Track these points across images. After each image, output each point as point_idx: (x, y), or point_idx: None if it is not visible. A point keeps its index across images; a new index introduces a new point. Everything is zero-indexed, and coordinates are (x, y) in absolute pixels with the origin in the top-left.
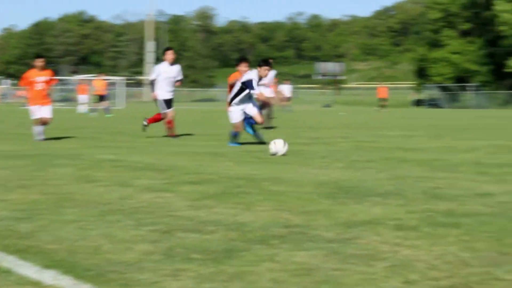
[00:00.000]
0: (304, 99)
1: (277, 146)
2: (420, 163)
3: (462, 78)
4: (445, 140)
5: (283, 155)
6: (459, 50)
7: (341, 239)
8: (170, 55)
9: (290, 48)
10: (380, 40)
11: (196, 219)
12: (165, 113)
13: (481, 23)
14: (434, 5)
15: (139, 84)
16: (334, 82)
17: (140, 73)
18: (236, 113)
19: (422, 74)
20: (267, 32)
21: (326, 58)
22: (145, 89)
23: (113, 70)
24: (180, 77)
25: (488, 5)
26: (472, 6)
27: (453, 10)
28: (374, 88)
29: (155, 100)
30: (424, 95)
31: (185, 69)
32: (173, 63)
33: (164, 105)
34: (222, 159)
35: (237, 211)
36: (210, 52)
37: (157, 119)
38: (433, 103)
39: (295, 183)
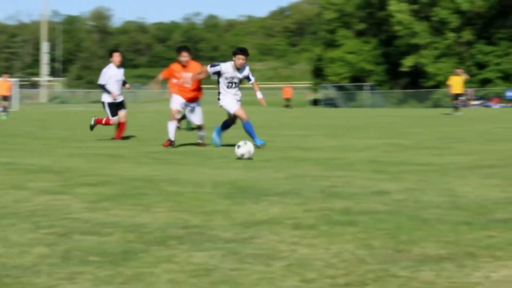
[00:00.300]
0: (204, 99)
1: (247, 147)
2: (317, 162)
3: (358, 78)
4: (342, 139)
5: (249, 158)
6: (355, 50)
7: (239, 239)
8: (117, 57)
9: None
10: (276, 40)
11: (93, 221)
12: (113, 119)
13: (376, 23)
14: (329, 6)
15: (34, 85)
16: None
17: (35, 74)
18: (229, 102)
19: (318, 74)
20: (163, 33)
21: (223, 58)
22: (42, 90)
23: (7, 71)
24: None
25: (382, 6)
26: (366, 6)
27: (348, 10)
28: (272, 89)
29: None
30: (320, 94)
31: (80, 70)
32: (119, 65)
33: (111, 109)
34: (120, 160)
35: (134, 212)
36: (106, 53)
37: (107, 123)
38: (329, 103)
39: (193, 183)
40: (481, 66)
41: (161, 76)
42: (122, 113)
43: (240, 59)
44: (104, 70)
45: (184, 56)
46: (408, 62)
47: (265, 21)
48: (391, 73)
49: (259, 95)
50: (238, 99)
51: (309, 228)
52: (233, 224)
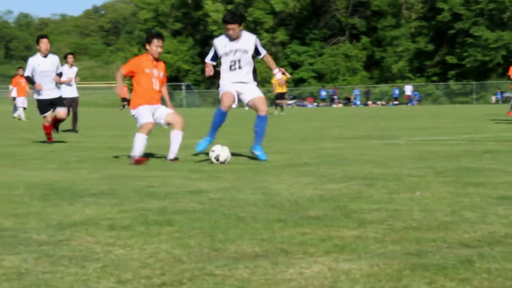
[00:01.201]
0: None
1: (224, 151)
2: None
3: (175, 77)
4: (159, 138)
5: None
6: (171, 50)
7: (53, 241)
8: (43, 44)
9: None
10: (91, 39)
11: None
12: (44, 117)
13: (192, 23)
14: (144, 5)
15: None
16: None
17: None
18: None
19: None
20: None
21: None
22: None
23: None
24: (59, 70)
25: (198, 5)
26: (182, 6)
27: (163, 10)
28: (89, 88)
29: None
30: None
31: None
32: (47, 54)
33: (41, 107)
34: None
35: None
36: None
37: (55, 120)
38: None
39: (5, 186)
40: (296, 66)
41: (122, 72)
42: (60, 111)
43: (229, 29)
44: (29, 60)
45: (159, 46)
46: None
47: (79, 20)
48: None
49: (278, 74)
50: (244, 81)
51: (124, 228)
52: (47, 226)
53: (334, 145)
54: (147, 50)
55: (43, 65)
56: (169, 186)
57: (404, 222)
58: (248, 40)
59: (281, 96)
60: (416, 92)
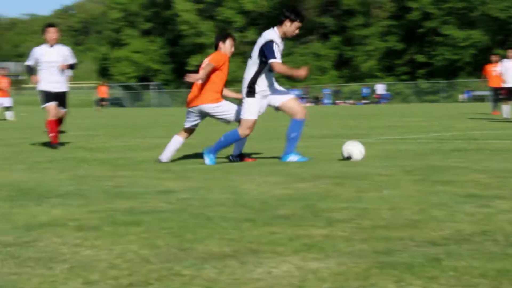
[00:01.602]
0: None
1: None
2: (102, 163)
3: (144, 77)
4: (127, 138)
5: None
6: (141, 49)
7: (20, 243)
8: (51, 33)
9: None
10: (61, 39)
11: None
12: (45, 108)
13: (162, 22)
14: (114, 5)
15: None
16: (15, 82)
17: None
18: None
19: (104, 73)
20: None
21: (5, 58)
22: None
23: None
24: (72, 60)
25: (168, 5)
26: (152, 5)
27: (133, 10)
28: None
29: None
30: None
31: None
32: (55, 44)
33: (44, 98)
34: None
35: None
36: None
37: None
38: (116, 102)
39: None
40: None
41: (213, 65)
42: (59, 111)
43: (296, 27)
44: (33, 50)
45: (233, 46)
46: (194, 61)
47: (49, 19)
48: (178, 72)
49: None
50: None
51: (92, 229)
52: (14, 227)
53: (303, 144)
54: (219, 48)
55: (48, 56)
56: (137, 186)
57: (372, 221)
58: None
59: None
60: (387, 92)
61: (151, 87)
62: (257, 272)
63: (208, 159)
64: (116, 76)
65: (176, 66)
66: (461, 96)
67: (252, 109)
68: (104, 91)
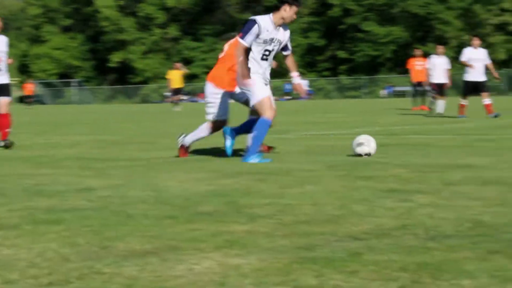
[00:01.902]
0: None
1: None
2: (23, 160)
3: (65, 74)
4: (49, 136)
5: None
6: (62, 46)
7: None
8: None
9: None
10: None
11: None
12: None
13: (82, 19)
14: (33, 1)
15: None
16: None
17: None
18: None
19: (24, 70)
20: None
21: None
22: None
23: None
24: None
25: (88, 1)
26: (72, 1)
27: (53, 6)
28: None
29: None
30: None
31: None
32: None
33: None
34: None
35: None
36: None
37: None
38: (36, 100)
39: None
40: (188, 62)
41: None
42: (1, 100)
43: (294, 11)
44: None
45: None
46: (116, 58)
47: None
48: (99, 69)
49: (296, 78)
50: (267, 82)
51: (12, 228)
52: None
53: (221, 140)
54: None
55: None
56: (57, 184)
57: (294, 216)
58: (287, 34)
59: (177, 91)
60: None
61: (72, 84)
62: (179, 269)
63: (252, 161)
64: (36, 73)
65: (97, 63)
66: (382, 92)
67: (257, 89)
68: (29, 88)
